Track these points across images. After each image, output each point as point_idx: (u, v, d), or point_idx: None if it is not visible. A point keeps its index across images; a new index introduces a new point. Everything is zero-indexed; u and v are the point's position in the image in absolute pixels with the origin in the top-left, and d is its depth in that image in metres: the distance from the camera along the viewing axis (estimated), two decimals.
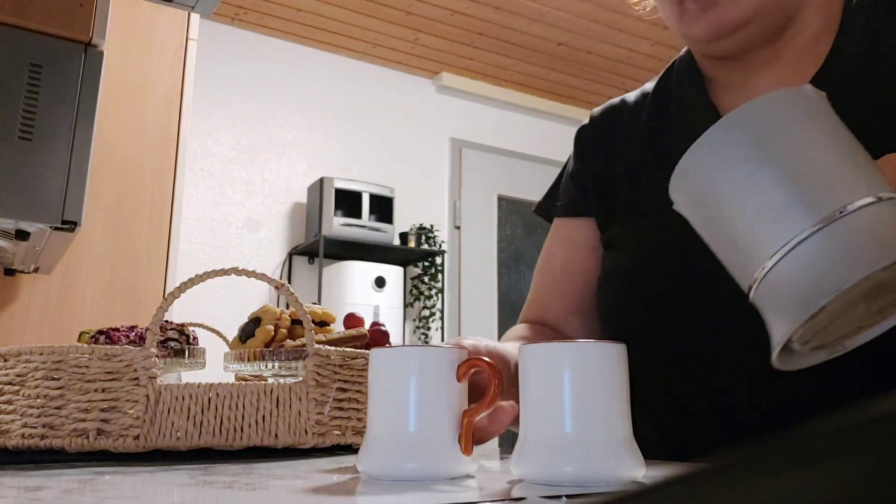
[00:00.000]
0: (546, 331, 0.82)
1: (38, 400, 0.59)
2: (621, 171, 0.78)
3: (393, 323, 3.46)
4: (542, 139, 4.30)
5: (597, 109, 0.87)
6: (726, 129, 0.41)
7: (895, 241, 0.36)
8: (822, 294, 0.35)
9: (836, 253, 0.36)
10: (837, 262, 0.36)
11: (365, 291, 3.41)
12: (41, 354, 0.60)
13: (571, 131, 0.92)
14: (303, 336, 0.73)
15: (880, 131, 0.55)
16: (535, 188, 2.69)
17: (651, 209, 0.72)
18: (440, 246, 3.86)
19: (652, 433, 0.69)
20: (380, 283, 3.46)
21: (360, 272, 3.44)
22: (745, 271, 0.40)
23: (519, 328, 0.84)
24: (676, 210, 0.45)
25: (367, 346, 0.75)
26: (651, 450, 0.53)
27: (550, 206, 0.88)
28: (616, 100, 0.86)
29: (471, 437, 0.47)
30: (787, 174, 0.38)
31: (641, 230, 0.73)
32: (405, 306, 3.70)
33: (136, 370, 0.59)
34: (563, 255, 0.84)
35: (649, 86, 0.83)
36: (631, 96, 0.84)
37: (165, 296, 0.59)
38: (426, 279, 3.79)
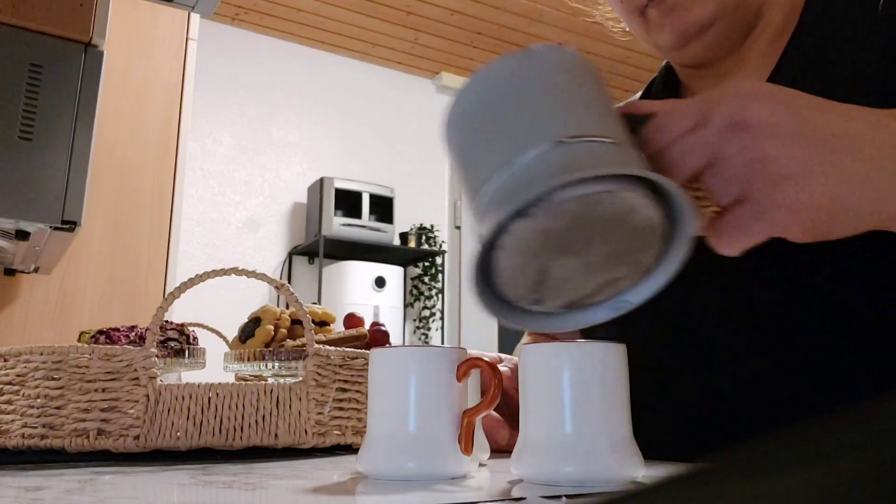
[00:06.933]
0: None
1: (38, 400, 0.59)
2: None
3: (393, 323, 3.46)
4: None
5: None
6: (462, 93, 0.41)
7: (549, 178, 0.35)
8: (499, 221, 0.36)
9: (506, 192, 0.37)
10: (507, 196, 0.36)
11: (365, 291, 3.41)
12: (41, 354, 0.60)
13: None
14: (303, 336, 0.73)
15: None
16: None
17: None
18: (440, 246, 3.86)
19: (653, 433, 0.69)
20: (380, 283, 3.46)
21: (360, 272, 3.44)
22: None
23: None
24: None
25: (367, 346, 0.75)
26: (651, 450, 0.53)
27: None
28: None
29: (471, 437, 0.47)
30: (486, 134, 0.39)
31: None
32: (405, 306, 3.70)
33: (136, 370, 0.59)
34: None
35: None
36: None
37: (165, 296, 0.59)
38: (426, 279, 3.79)
